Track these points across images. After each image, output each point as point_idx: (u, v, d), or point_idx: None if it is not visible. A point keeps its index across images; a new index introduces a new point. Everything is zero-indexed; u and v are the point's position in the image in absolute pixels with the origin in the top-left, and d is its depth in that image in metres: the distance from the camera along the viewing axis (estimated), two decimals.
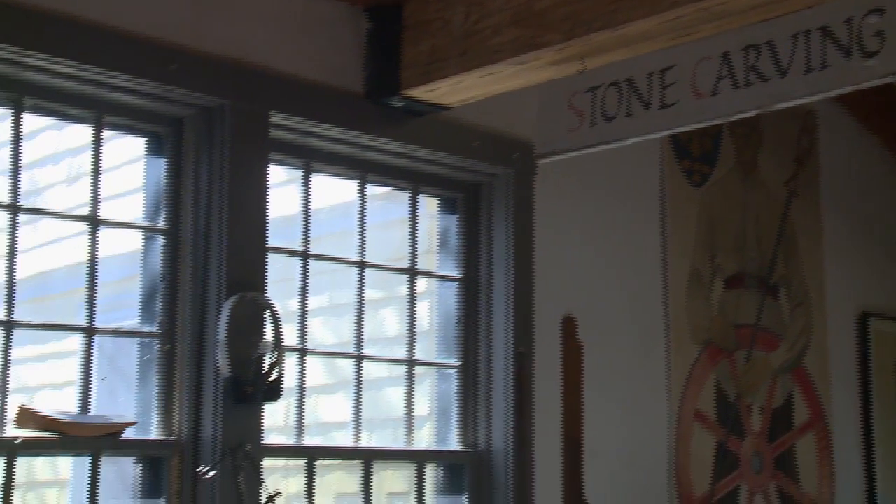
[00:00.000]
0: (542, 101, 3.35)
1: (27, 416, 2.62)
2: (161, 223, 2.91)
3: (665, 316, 3.97)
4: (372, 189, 3.39)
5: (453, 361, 3.51)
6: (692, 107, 3.02)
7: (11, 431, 2.60)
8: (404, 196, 3.49)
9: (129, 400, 2.94)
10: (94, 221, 2.80)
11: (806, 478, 4.36)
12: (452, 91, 3.14)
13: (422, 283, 3.58)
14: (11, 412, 2.61)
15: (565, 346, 3.65)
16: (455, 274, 3.54)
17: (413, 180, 3.45)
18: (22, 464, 2.62)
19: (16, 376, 2.71)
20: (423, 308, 3.81)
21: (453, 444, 3.47)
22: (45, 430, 2.64)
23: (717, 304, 4.14)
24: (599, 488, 3.64)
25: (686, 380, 3.99)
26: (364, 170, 3.33)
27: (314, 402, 4.62)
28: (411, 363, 3.41)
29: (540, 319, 3.55)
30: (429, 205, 3.64)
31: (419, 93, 3.15)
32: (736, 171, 4.29)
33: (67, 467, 5.84)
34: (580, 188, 3.76)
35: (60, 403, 3.14)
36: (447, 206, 3.58)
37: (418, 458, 3.39)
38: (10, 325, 2.65)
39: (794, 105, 2.94)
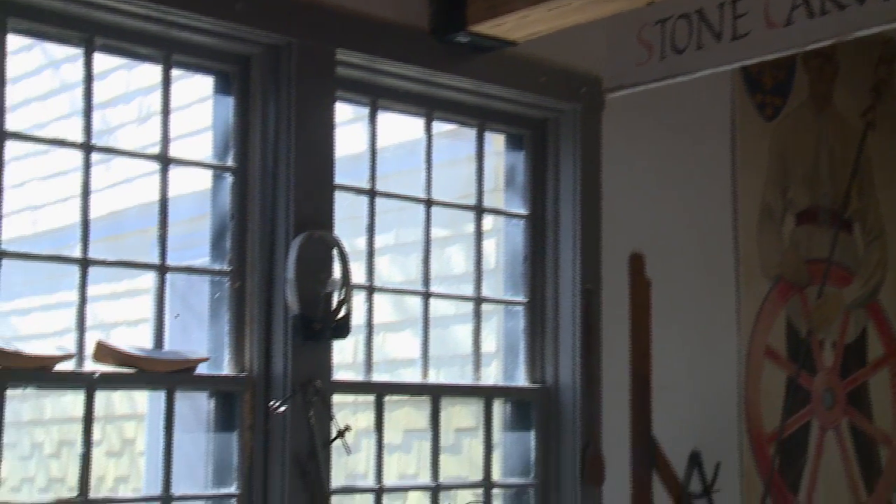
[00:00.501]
0: (610, 35, 3.30)
1: (105, 352, 2.69)
2: (230, 162, 2.94)
3: (735, 251, 3.93)
4: (438, 126, 3.38)
5: (520, 298, 3.51)
6: (765, 37, 2.95)
7: (90, 366, 2.67)
8: (471, 133, 3.47)
9: (201, 337, 2.99)
10: (164, 160, 2.83)
11: (880, 414, 4.31)
12: (519, 26, 3.10)
13: (488, 221, 3.58)
14: (90, 348, 2.68)
15: (633, 283, 3.63)
16: (522, 211, 3.53)
17: (479, 117, 3.43)
18: (101, 397, 2.69)
19: (93, 313, 2.77)
20: (489, 246, 3.81)
21: (521, 380, 3.49)
22: (122, 365, 2.71)
23: (788, 239, 4.09)
24: (668, 424, 3.64)
25: (756, 316, 3.96)
26: (430, 107, 3.31)
27: (382, 340, 4.67)
28: (478, 300, 3.42)
29: (607, 256, 3.54)
30: (495, 142, 3.62)
31: (485, 28, 3.12)
32: (809, 103, 4.20)
33: (144, 401, 5.99)
34: (649, 123, 3.71)
35: (136, 340, 3.21)
36: (514, 143, 3.56)
37: (486, 394, 3.42)
38: (86, 263, 2.70)
39: (872, 33, 2.85)
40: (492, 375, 3.70)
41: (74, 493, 2.65)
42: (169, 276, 2.84)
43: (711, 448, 3.75)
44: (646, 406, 3.60)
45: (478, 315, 3.41)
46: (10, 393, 2.55)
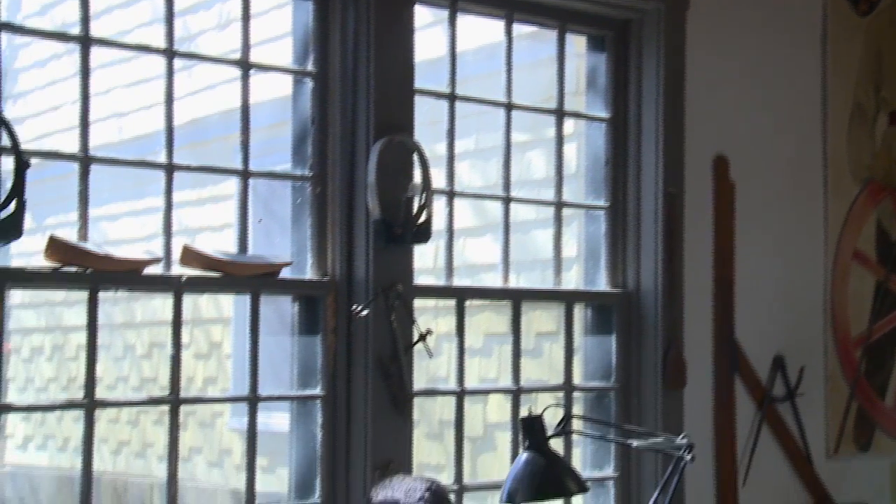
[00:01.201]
0: None
1: (191, 256, 2.74)
2: (309, 67, 2.94)
3: (824, 153, 3.84)
4: (519, 28, 3.33)
5: (602, 203, 3.48)
6: None
7: (177, 270, 2.73)
8: (552, 35, 3.41)
9: (284, 242, 3.03)
10: (245, 66, 2.84)
11: None
12: None
13: (570, 125, 3.54)
14: (176, 252, 2.73)
15: (717, 186, 3.58)
16: (603, 114, 3.48)
17: (560, 18, 3.37)
18: (188, 301, 2.75)
19: (178, 219, 2.82)
20: (570, 150, 3.78)
21: (602, 285, 3.48)
22: (208, 270, 2.76)
23: (880, 140, 3.98)
24: (751, 328, 3.62)
25: (845, 218, 3.88)
26: (510, 8, 3.26)
27: (463, 245, 4.69)
28: (559, 205, 3.40)
29: (691, 159, 3.48)
30: (577, 43, 3.56)
31: None
32: None
33: (230, 306, 6.12)
34: (735, 21, 3.61)
35: (220, 245, 3.26)
36: (596, 45, 3.50)
37: (567, 299, 3.42)
38: (171, 168, 2.74)
39: None
40: (572, 280, 3.69)
41: (166, 392, 2.73)
42: (251, 181, 2.86)
43: (795, 352, 3.72)
44: (729, 310, 3.57)
45: (558, 220, 3.40)
46: (101, 296, 2.62)
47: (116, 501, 6.40)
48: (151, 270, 2.69)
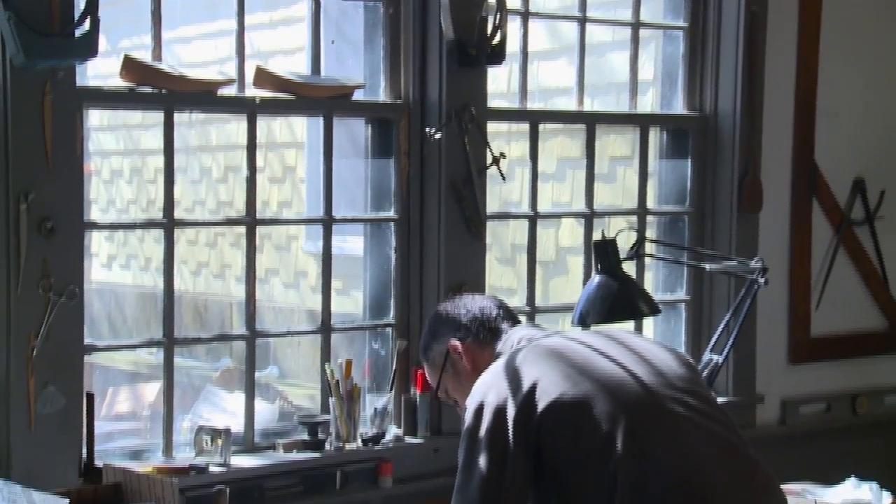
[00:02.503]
0: None
1: (264, 77, 2.73)
2: None
3: None
4: None
5: (680, 23, 3.38)
6: None
7: (251, 92, 2.73)
8: None
9: (356, 64, 3.01)
10: None
11: None
12: None
13: None
14: (250, 74, 2.72)
15: (802, 5, 3.45)
16: None
17: None
18: (261, 125, 2.76)
19: (250, 42, 2.80)
20: None
21: (679, 108, 3.41)
22: (281, 91, 2.75)
23: None
24: (831, 151, 3.55)
25: None
26: None
27: (537, 68, 4.60)
28: (636, 25, 3.31)
29: None
30: None
31: None
32: None
33: (303, 131, 6.14)
34: None
35: (293, 68, 3.24)
36: None
37: (642, 122, 3.37)
38: None
39: None
40: (648, 104, 3.62)
41: (242, 215, 2.78)
42: (323, 2, 2.82)
43: (876, 175, 3.65)
44: (809, 132, 3.50)
45: (635, 41, 3.31)
46: (177, 118, 2.64)
47: (197, 319, 6.61)
48: (225, 92, 2.69)
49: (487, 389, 1.98)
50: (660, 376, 1.99)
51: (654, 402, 1.95)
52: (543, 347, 2.03)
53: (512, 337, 2.14)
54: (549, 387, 1.93)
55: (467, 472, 1.94)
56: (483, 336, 2.16)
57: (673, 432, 1.93)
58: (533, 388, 1.94)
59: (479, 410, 1.96)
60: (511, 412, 1.93)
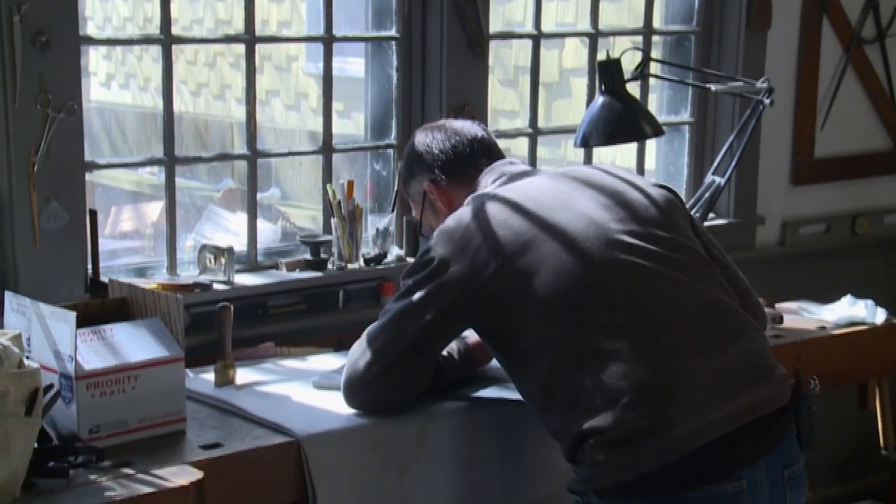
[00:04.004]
0: None
1: None
2: None
3: None
4: None
5: None
6: None
7: None
8: None
9: None
10: None
11: None
12: None
13: None
14: None
15: None
16: None
17: None
18: None
19: None
20: None
21: None
22: None
23: None
24: None
25: None
26: None
27: None
28: None
29: None
30: None
31: None
32: None
33: None
34: None
35: None
36: None
37: None
38: None
39: None
40: None
41: (241, 32, 2.72)
42: None
43: None
44: None
45: None
46: None
47: (198, 139, 6.58)
48: None
49: (441, 237, 1.96)
50: (627, 223, 1.93)
51: (609, 256, 1.89)
52: (506, 199, 1.97)
53: (485, 178, 2.10)
54: (500, 249, 1.90)
55: (396, 305, 1.97)
56: (457, 176, 2.13)
57: (629, 285, 1.87)
58: (480, 249, 1.91)
59: (427, 259, 1.96)
60: (455, 269, 1.92)
